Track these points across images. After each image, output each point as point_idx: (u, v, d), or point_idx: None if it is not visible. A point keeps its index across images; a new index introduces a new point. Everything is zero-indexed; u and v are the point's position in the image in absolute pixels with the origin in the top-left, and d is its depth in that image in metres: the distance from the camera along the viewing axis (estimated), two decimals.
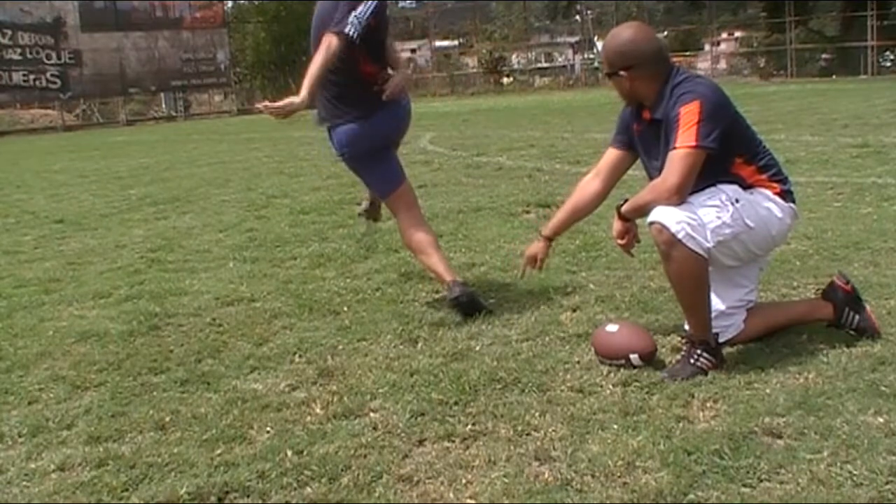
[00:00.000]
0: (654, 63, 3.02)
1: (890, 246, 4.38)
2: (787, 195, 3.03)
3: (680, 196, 2.84)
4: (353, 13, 3.61)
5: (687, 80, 2.99)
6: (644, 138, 3.11)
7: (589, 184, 3.35)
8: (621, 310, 3.65)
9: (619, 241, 3.16)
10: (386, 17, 3.86)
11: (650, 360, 2.98)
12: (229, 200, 7.92)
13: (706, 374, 2.84)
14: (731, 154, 2.95)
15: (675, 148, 2.86)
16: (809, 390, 2.67)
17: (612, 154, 3.29)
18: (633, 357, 2.95)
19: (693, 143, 2.83)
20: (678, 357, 2.98)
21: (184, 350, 3.55)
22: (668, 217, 2.80)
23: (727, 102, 2.98)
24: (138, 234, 6.50)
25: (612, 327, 3.08)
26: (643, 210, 2.95)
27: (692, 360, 2.88)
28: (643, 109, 3.09)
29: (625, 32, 3.12)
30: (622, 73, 3.03)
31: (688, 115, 2.86)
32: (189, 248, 5.75)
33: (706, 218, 2.81)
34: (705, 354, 2.88)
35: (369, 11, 3.64)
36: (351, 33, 3.59)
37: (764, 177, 3.00)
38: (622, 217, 3.08)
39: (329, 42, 3.58)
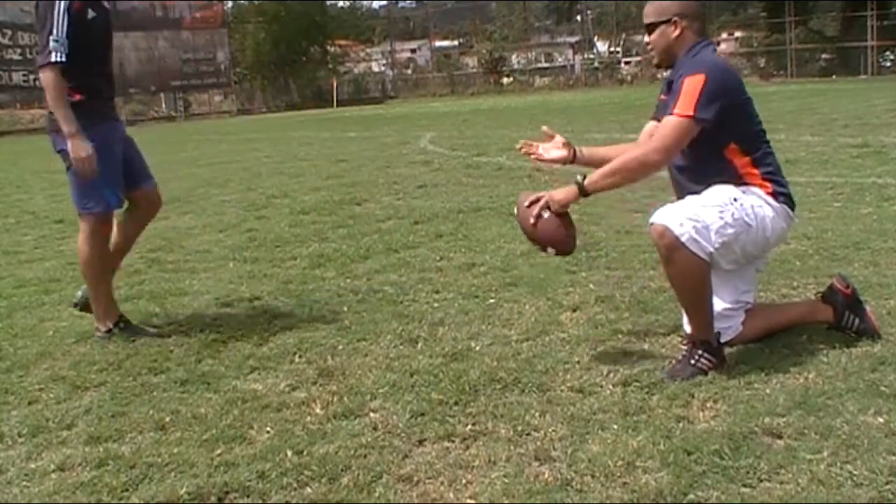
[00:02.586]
0: (697, 18, 3.04)
1: (890, 246, 4.37)
2: (779, 196, 2.99)
3: (664, 158, 2.88)
4: (50, 36, 3.41)
5: (704, 52, 2.99)
6: (662, 105, 3.09)
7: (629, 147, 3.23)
8: (621, 310, 3.65)
9: (533, 208, 3.07)
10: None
11: (564, 256, 3.27)
12: (229, 200, 7.91)
13: (706, 374, 2.83)
14: (726, 136, 2.94)
15: (671, 113, 2.89)
16: (809, 390, 2.67)
17: (650, 125, 3.25)
18: (550, 251, 3.15)
19: (690, 113, 2.85)
20: (679, 357, 2.98)
21: (184, 350, 3.55)
22: (671, 218, 2.78)
23: (736, 86, 2.96)
24: None
25: (546, 213, 3.06)
26: (610, 180, 2.93)
27: (693, 361, 2.87)
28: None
29: None
30: (675, 18, 3.00)
31: (691, 85, 2.88)
32: (189, 248, 5.75)
33: (709, 219, 2.79)
34: (706, 355, 2.87)
35: (62, 22, 3.41)
36: (57, 59, 3.42)
37: (756, 171, 2.97)
38: (584, 192, 2.97)
39: (44, 80, 3.42)
